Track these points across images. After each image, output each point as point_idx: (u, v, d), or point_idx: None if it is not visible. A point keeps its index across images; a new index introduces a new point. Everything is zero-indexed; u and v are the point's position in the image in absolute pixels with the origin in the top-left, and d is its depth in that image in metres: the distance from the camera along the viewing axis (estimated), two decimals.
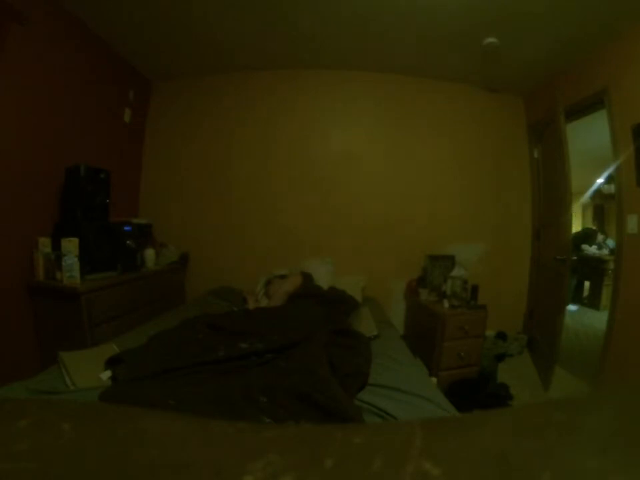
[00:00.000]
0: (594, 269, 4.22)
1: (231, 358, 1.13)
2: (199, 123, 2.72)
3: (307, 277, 2.20)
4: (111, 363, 1.13)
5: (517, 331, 2.72)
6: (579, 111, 2.25)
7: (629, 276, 1.87)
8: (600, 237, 4.73)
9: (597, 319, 3.51)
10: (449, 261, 2.44)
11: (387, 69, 2.60)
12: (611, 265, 3.35)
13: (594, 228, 5.00)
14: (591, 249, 4.55)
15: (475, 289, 2.15)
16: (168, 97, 2.76)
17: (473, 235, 2.71)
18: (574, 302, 4.29)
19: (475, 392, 1.88)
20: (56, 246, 1.68)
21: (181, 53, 2.39)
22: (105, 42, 2.21)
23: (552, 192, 2.34)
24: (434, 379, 1.80)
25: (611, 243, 4.40)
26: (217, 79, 2.70)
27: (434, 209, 2.70)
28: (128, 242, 2.05)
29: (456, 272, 2.24)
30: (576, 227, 4.33)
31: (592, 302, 4.26)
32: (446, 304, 2.12)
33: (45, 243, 1.71)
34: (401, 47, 2.27)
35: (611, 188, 3.66)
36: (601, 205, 5.46)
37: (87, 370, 1.09)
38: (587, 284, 4.52)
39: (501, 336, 2.57)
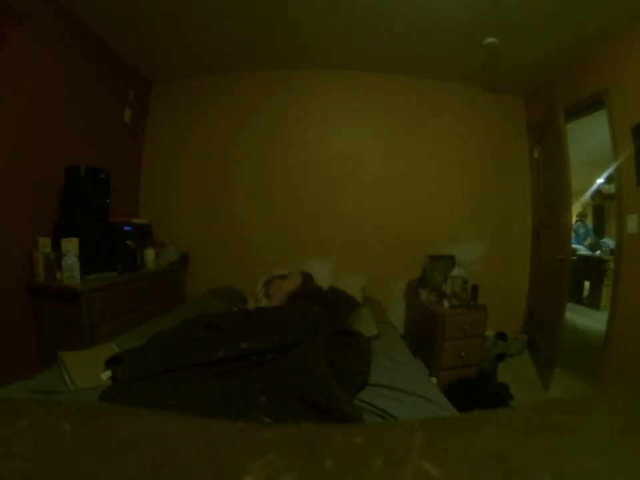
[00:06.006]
0: (594, 269, 4.22)
1: (231, 358, 1.13)
2: (199, 122, 2.72)
3: (307, 277, 2.20)
4: (111, 362, 1.13)
5: (517, 331, 2.72)
6: (578, 111, 2.25)
7: (628, 276, 1.87)
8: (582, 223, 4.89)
9: (597, 319, 3.51)
10: (449, 261, 2.44)
11: (387, 69, 2.60)
12: (611, 265, 3.35)
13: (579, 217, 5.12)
14: (582, 247, 4.66)
15: (474, 289, 2.15)
16: (168, 97, 2.75)
17: (473, 235, 2.71)
18: (574, 302, 4.29)
19: (475, 392, 1.88)
20: (56, 246, 1.68)
21: (180, 52, 2.39)
22: (105, 42, 2.21)
23: (552, 192, 2.34)
24: (434, 379, 1.80)
25: (611, 243, 4.40)
26: (217, 79, 2.70)
27: (434, 209, 2.70)
28: (128, 242, 2.05)
29: (456, 272, 2.24)
30: None
31: (592, 302, 4.26)
32: (446, 304, 2.12)
33: (45, 243, 1.71)
34: (401, 47, 2.27)
35: (611, 188, 3.66)
36: (600, 204, 5.45)
37: (87, 370, 1.09)
38: (586, 284, 4.52)
39: (501, 336, 2.57)
